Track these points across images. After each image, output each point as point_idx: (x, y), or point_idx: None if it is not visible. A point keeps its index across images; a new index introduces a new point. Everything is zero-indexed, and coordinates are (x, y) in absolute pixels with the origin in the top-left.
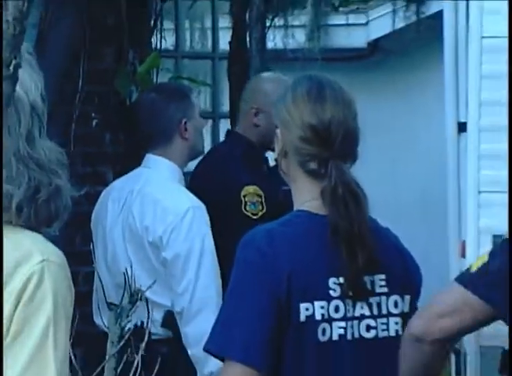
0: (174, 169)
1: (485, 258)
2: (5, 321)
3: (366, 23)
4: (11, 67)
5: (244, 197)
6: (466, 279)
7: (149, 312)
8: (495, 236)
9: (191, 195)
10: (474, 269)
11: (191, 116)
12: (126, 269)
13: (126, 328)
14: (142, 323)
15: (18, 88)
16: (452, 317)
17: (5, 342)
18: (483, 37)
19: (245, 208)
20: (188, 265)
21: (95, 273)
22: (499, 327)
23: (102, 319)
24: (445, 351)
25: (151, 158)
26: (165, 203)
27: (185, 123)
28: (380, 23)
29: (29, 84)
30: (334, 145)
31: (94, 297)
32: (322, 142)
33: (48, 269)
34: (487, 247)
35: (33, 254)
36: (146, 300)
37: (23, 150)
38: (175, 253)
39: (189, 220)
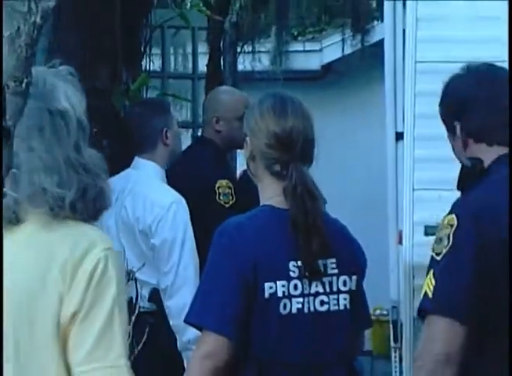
0: (158, 170)
1: (433, 282)
2: (78, 299)
3: (320, 50)
4: (23, 84)
5: (218, 188)
6: (429, 305)
7: (138, 289)
8: (426, 227)
9: (174, 191)
10: (429, 295)
11: (171, 126)
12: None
13: None
14: (132, 298)
15: (67, 104)
16: (444, 345)
17: (79, 317)
18: (417, 61)
19: (219, 198)
20: (173, 250)
21: None
22: None
23: None
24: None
25: (139, 161)
26: (153, 198)
27: (166, 132)
28: (332, 50)
29: (74, 101)
30: (295, 150)
31: None
32: (285, 147)
33: (111, 256)
34: (420, 235)
35: (98, 243)
36: (136, 279)
37: (72, 158)
38: (163, 239)
39: (173, 212)
